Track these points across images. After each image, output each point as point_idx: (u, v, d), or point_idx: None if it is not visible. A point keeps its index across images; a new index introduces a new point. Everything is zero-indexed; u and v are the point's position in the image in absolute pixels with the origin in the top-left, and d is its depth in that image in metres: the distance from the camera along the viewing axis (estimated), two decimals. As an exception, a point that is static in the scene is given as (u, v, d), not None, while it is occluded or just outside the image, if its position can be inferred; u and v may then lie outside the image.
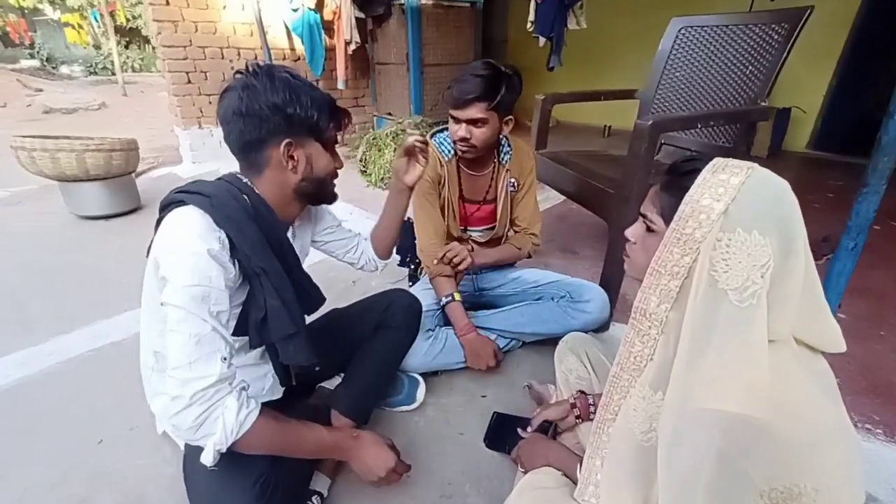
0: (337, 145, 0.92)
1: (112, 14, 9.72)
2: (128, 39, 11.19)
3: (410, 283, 1.69)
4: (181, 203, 0.75)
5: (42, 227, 2.50)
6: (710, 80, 1.61)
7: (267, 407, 0.79)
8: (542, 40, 2.91)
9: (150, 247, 0.77)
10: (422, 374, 1.30)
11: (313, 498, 0.93)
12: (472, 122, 1.19)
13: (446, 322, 1.36)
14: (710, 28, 1.62)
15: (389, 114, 4.12)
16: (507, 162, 1.36)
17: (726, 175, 0.55)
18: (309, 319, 1.21)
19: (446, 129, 1.35)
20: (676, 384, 0.59)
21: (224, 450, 0.71)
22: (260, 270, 0.77)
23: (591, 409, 0.99)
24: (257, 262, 0.76)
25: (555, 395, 1.20)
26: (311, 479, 0.97)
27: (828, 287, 1.04)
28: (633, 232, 0.72)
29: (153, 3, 3.03)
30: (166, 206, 0.77)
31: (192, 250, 0.70)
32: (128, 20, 11.60)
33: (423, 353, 1.25)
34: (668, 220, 0.60)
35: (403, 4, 3.49)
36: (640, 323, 0.65)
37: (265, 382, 0.97)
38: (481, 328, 1.37)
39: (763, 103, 1.33)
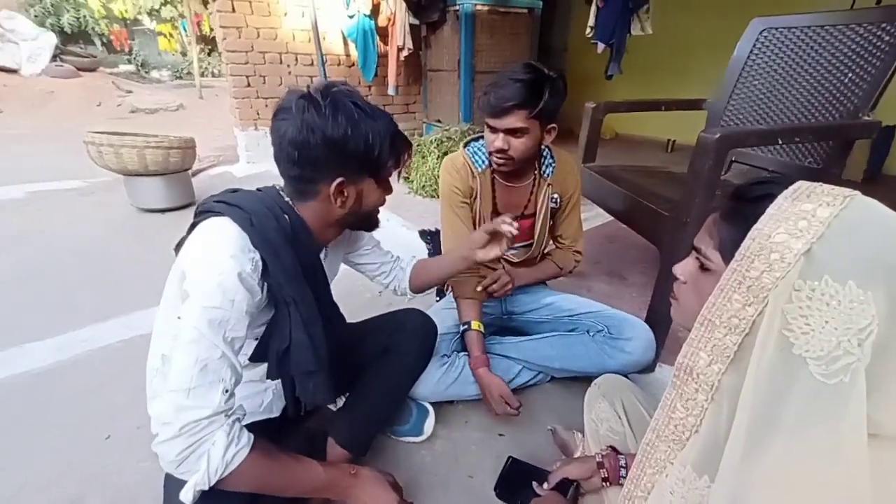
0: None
1: (198, 24, 10.61)
2: (210, 47, 12.15)
3: (437, 298, 1.59)
4: (219, 214, 0.71)
5: (105, 217, 2.67)
6: (796, 90, 1.38)
7: (260, 439, 0.72)
8: (600, 47, 2.72)
9: (178, 245, 0.73)
10: (436, 402, 1.18)
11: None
12: (511, 132, 1.04)
13: (465, 348, 1.24)
14: (800, 29, 1.38)
15: (438, 121, 4.07)
16: (549, 175, 1.22)
17: (812, 205, 0.40)
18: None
19: (482, 136, 1.23)
20: (728, 477, 0.45)
21: (206, 488, 0.65)
22: (291, 300, 0.72)
23: (622, 471, 0.82)
24: (290, 291, 0.72)
25: (581, 446, 1.04)
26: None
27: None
28: (684, 269, 0.58)
29: (220, 10, 3.20)
30: (203, 213, 0.73)
31: (221, 269, 0.65)
32: (211, 30, 12.64)
33: (435, 380, 1.14)
34: (727, 257, 0.47)
35: (458, 10, 3.44)
36: (684, 384, 0.51)
37: (264, 398, 0.91)
38: (504, 356, 1.23)
39: (866, 117, 1.10)
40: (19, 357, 1.44)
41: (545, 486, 0.88)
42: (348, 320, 1.12)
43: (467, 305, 1.22)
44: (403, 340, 1.06)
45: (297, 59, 3.61)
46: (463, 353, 1.22)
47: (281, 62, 3.56)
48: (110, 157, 2.44)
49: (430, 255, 1.56)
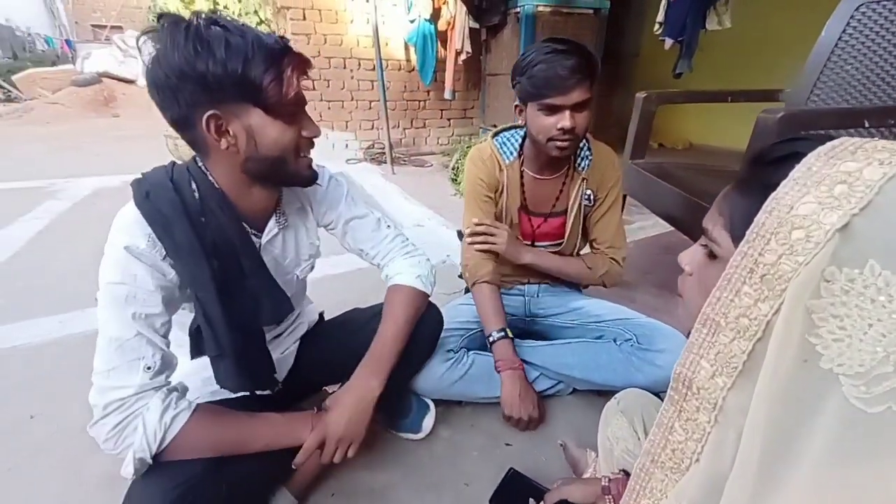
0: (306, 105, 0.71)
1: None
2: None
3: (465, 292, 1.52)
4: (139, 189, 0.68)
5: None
6: (900, 73, 1.14)
7: (206, 403, 0.70)
8: (668, 43, 2.51)
9: None
10: (441, 402, 1.11)
11: (268, 515, 0.82)
12: (578, 106, 0.96)
13: (476, 347, 1.16)
14: (911, 1, 1.15)
15: (494, 125, 4.01)
16: (584, 169, 1.13)
17: (857, 164, 0.28)
18: (329, 315, 1.14)
19: (510, 128, 1.17)
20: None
21: (148, 458, 0.63)
22: (191, 278, 0.67)
23: (632, 500, 0.70)
24: (182, 266, 0.67)
25: (592, 466, 0.91)
26: (269, 493, 0.85)
27: None
28: (691, 258, 0.46)
29: (293, 18, 3.43)
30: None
31: (112, 245, 0.65)
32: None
33: (438, 375, 1.06)
34: (737, 238, 0.35)
35: (519, 12, 3.38)
36: (683, 399, 0.40)
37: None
38: (521, 360, 1.13)
39: None
40: (81, 320, 1.59)
41: None
42: (358, 305, 1.10)
43: (489, 310, 1.12)
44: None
45: (359, 64, 3.76)
46: (473, 352, 1.13)
47: (345, 67, 3.73)
48: (185, 150, 2.68)
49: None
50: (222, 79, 0.60)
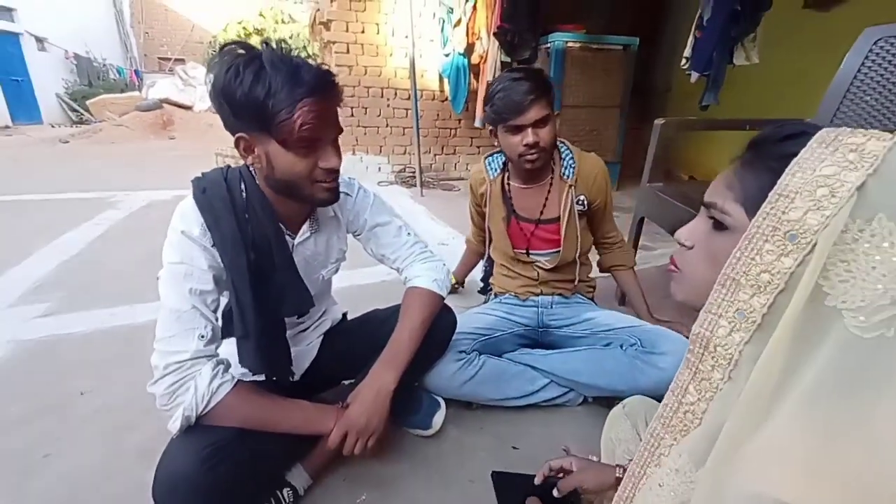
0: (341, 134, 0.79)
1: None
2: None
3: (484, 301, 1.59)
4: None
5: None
6: (920, 103, 1.15)
7: (248, 382, 0.78)
8: (694, 76, 2.57)
9: None
10: (453, 402, 1.15)
11: (285, 490, 0.87)
12: (538, 123, 1.08)
13: (488, 353, 1.20)
14: (927, 35, 1.17)
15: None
16: (569, 177, 1.21)
17: (861, 139, 0.34)
18: (352, 315, 1.21)
19: (498, 151, 1.29)
20: (723, 449, 0.38)
21: (193, 418, 0.72)
22: (230, 264, 0.77)
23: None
24: (225, 254, 0.77)
25: (595, 468, 0.92)
26: (286, 468, 0.91)
27: None
28: (691, 232, 0.50)
29: (338, 51, 3.71)
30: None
31: (174, 228, 0.76)
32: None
33: (449, 374, 1.11)
34: (752, 209, 0.40)
35: (549, 47, 3.53)
36: (699, 360, 0.42)
37: None
38: (529, 366, 1.16)
39: None
40: (129, 314, 1.74)
41: (555, 491, 0.77)
42: (378, 305, 1.17)
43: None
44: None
45: (396, 94, 4.00)
46: (484, 356, 1.18)
47: (382, 96, 3.97)
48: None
49: (485, 272, 1.59)
50: (245, 108, 0.68)
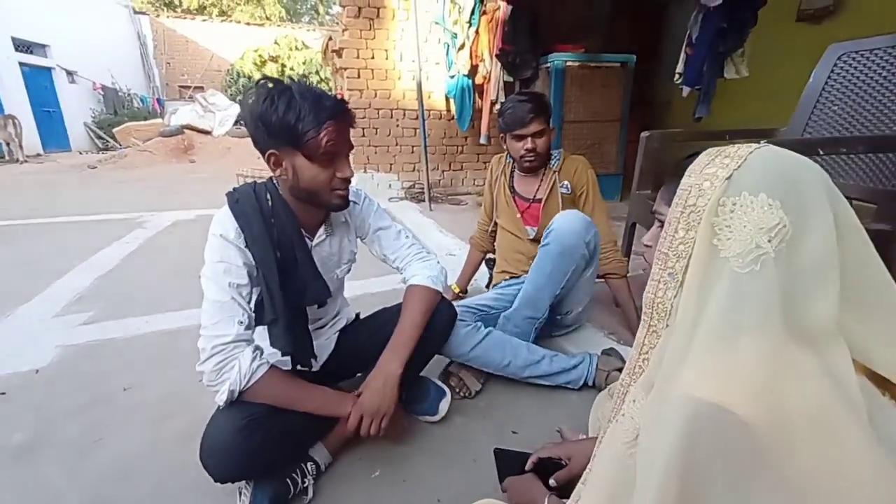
0: (352, 150, 0.96)
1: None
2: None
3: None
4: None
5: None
6: (877, 112, 1.26)
7: (279, 367, 0.91)
8: (685, 90, 2.70)
9: None
10: (455, 397, 1.27)
11: (308, 464, 0.99)
12: (536, 134, 1.45)
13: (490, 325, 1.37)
14: (883, 50, 1.29)
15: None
16: (554, 165, 1.57)
17: (735, 148, 0.48)
18: (364, 314, 1.34)
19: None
20: (663, 373, 0.50)
21: (237, 392, 0.86)
22: (261, 261, 0.92)
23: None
24: (256, 251, 0.91)
25: (583, 444, 1.02)
26: (310, 445, 1.03)
27: None
28: (650, 235, 0.64)
29: (349, 76, 3.94)
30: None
31: (213, 233, 0.91)
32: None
33: (460, 337, 1.25)
34: None
35: (549, 67, 3.71)
36: (648, 317, 0.56)
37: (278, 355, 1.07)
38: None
39: (948, 130, 0.97)
40: (162, 321, 1.90)
41: (551, 481, 0.83)
42: (387, 304, 1.30)
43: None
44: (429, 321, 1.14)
45: (404, 114, 4.20)
46: (490, 327, 1.33)
47: (391, 117, 4.18)
48: (252, 186, 3.11)
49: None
50: (279, 129, 0.84)
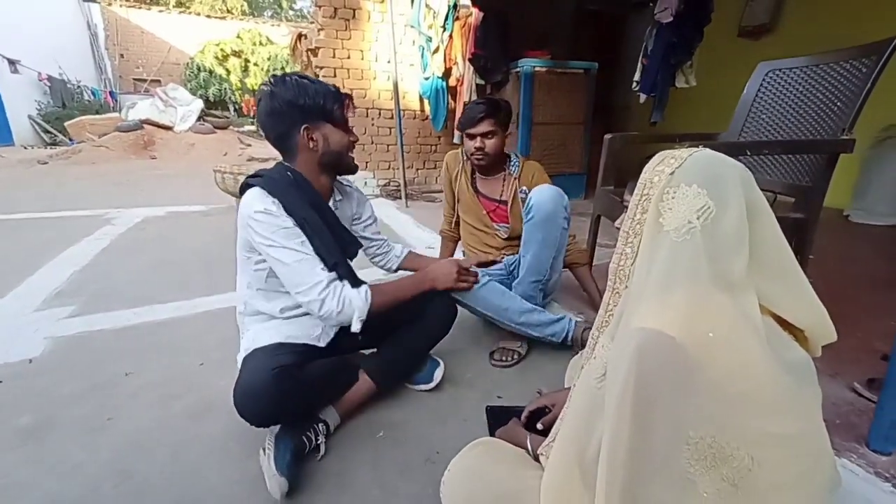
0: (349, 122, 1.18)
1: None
2: (315, 111, 14.40)
3: None
4: (249, 186, 1.08)
5: (217, 230, 3.33)
6: (798, 120, 1.50)
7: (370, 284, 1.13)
8: (642, 97, 2.96)
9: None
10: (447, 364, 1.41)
11: (320, 424, 1.11)
12: (485, 134, 1.58)
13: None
14: (800, 69, 1.53)
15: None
16: (514, 172, 1.71)
17: (679, 151, 0.65)
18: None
19: None
20: (623, 321, 0.65)
21: (365, 313, 1.06)
22: (303, 220, 1.05)
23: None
24: (300, 214, 1.04)
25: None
26: (323, 406, 1.16)
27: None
28: (620, 220, 0.80)
29: (325, 75, 3.99)
30: (242, 190, 1.10)
31: (256, 211, 1.02)
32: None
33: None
34: None
35: (519, 72, 3.91)
36: (612, 282, 0.72)
37: (315, 331, 1.19)
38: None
39: (844, 136, 1.21)
40: (151, 312, 1.93)
41: (539, 425, 0.95)
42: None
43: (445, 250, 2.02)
44: (430, 314, 1.31)
45: (380, 113, 4.30)
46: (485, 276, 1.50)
47: (367, 116, 4.26)
48: (229, 182, 3.13)
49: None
50: (312, 107, 1.05)
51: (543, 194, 1.47)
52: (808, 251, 1.43)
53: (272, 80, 1.07)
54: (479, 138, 1.58)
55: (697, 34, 2.68)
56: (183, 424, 1.22)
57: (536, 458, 0.84)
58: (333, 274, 1.07)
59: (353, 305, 1.06)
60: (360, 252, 1.34)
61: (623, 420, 0.57)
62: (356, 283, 1.16)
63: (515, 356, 1.49)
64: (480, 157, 1.61)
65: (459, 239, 1.96)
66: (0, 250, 2.76)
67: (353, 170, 1.21)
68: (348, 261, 1.21)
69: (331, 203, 1.21)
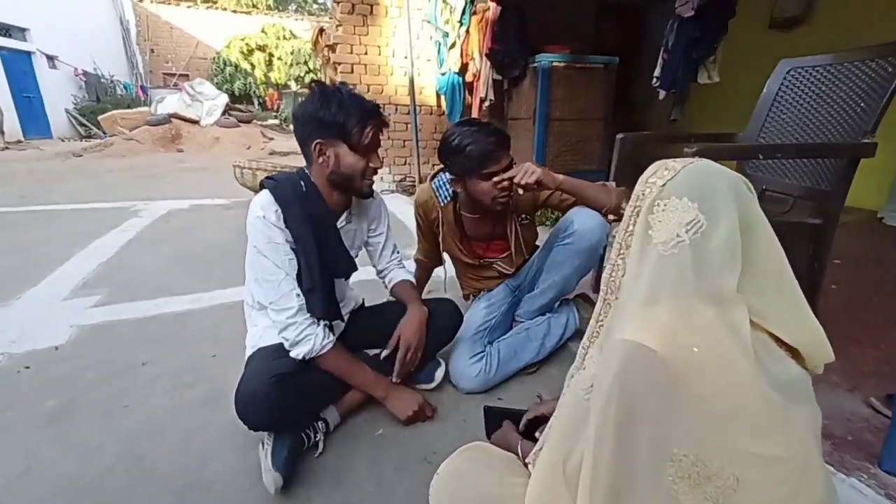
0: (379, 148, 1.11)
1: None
2: (337, 105, 14.57)
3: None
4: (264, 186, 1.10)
5: (238, 223, 3.41)
6: (819, 121, 1.44)
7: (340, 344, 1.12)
8: (661, 93, 2.88)
9: None
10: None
11: (319, 423, 1.14)
12: (507, 168, 1.26)
13: (497, 336, 1.46)
14: (823, 67, 1.47)
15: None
16: (512, 204, 1.39)
17: (674, 163, 0.64)
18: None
19: (444, 171, 1.42)
20: (611, 332, 0.65)
21: (309, 357, 1.05)
22: (296, 237, 1.06)
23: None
24: (295, 230, 1.05)
25: (559, 405, 1.19)
26: (326, 403, 1.19)
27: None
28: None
29: (343, 71, 4.03)
30: (262, 187, 1.12)
31: (255, 216, 1.04)
32: (340, 91, 15.08)
33: (474, 375, 1.34)
34: None
35: (537, 66, 3.86)
36: (604, 293, 0.71)
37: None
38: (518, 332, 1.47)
39: (866, 140, 1.16)
40: (170, 303, 2.01)
41: (537, 434, 0.96)
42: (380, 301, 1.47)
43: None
44: (437, 317, 1.31)
45: (396, 109, 4.32)
46: (495, 343, 1.44)
47: (383, 111, 4.28)
48: (248, 177, 3.21)
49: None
50: (330, 123, 1.02)
51: (588, 223, 1.29)
52: (827, 258, 1.38)
53: (313, 84, 1.07)
54: (501, 175, 1.24)
55: (722, 27, 2.58)
56: (195, 412, 1.28)
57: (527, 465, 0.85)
58: (302, 301, 1.05)
59: (307, 347, 1.05)
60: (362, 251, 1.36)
61: (606, 434, 0.57)
62: (331, 312, 1.15)
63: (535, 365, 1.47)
64: (506, 196, 1.28)
65: (436, 266, 1.68)
66: (40, 240, 2.93)
67: (364, 196, 1.16)
68: (337, 280, 1.20)
69: (343, 217, 1.20)
